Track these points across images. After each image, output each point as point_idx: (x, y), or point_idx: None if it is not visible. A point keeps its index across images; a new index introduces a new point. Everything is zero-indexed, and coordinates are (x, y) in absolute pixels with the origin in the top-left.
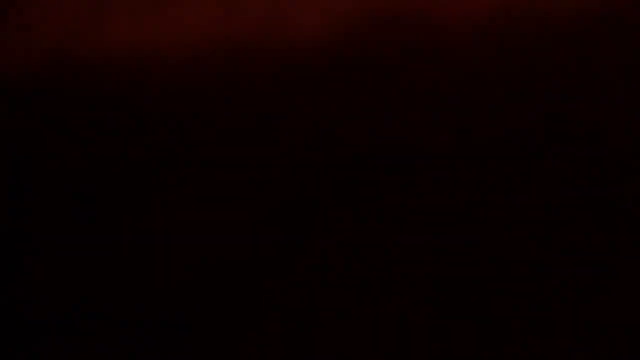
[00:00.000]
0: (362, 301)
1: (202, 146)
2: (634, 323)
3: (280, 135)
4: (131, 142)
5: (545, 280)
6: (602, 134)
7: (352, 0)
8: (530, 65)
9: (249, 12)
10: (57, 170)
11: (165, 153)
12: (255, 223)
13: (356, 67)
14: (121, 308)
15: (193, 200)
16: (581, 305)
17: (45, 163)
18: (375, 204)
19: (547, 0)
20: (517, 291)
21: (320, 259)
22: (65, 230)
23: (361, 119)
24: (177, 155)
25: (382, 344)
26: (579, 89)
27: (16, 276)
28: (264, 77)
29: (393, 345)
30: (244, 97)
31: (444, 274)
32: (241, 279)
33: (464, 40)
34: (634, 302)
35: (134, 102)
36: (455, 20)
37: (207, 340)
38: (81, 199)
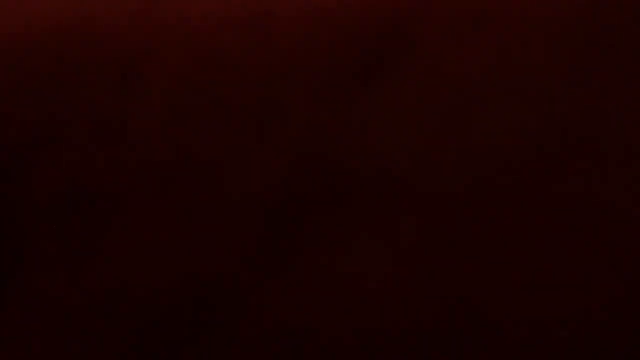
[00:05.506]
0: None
1: (201, 149)
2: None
3: (269, 139)
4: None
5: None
6: (600, 135)
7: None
8: (528, 66)
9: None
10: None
11: (156, 155)
12: (242, 230)
13: (352, 70)
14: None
15: (174, 206)
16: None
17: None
18: (365, 212)
19: (540, 1)
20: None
21: (309, 269)
22: (58, 220)
23: (353, 127)
24: (168, 158)
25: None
26: (574, 90)
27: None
28: (254, 78)
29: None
30: (239, 98)
31: (440, 289)
32: (224, 290)
33: (463, 41)
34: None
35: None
36: (453, 21)
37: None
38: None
